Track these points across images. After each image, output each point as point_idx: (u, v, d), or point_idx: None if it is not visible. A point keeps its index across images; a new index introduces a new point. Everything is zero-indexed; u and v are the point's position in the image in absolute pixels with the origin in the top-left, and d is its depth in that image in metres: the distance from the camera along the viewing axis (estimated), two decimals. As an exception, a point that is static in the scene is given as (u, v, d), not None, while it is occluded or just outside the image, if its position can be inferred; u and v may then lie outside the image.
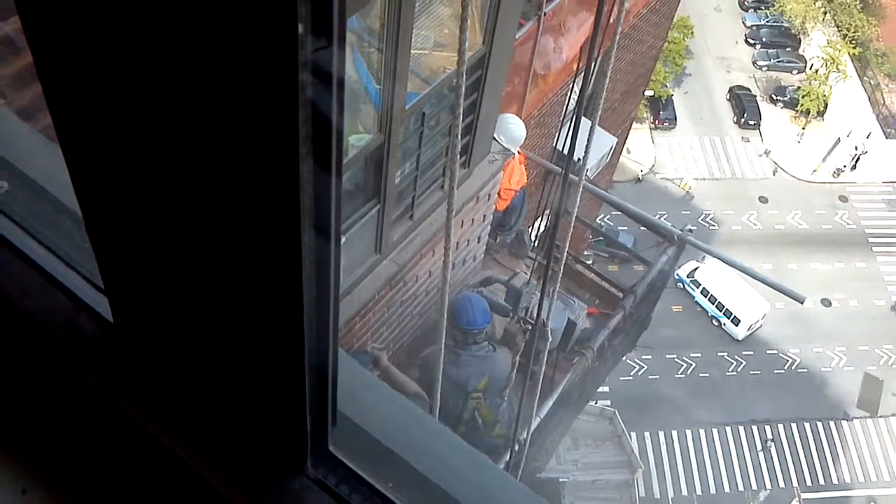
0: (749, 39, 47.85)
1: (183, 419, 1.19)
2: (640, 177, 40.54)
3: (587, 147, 4.47)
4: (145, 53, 0.72)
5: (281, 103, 0.67)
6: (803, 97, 44.08)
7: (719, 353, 35.89)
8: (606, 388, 31.17)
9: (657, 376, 34.56)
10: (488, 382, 6.74)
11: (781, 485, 33.18)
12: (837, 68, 44.65)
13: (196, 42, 0.68)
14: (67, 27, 0.77)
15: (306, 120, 0.69)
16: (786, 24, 48.22)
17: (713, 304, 36.27)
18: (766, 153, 43.14)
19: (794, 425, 34.60)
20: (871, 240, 40.74)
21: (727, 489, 32.93)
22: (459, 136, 3.63)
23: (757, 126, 44.22)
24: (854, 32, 46.04)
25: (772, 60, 46.91)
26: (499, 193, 7.27)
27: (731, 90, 45.37)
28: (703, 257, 34.47)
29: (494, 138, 6.61)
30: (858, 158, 42.93)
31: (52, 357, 1.27)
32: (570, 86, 10.93)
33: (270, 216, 0.77)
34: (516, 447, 6.70)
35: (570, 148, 4.53)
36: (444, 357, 6.49)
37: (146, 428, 1.21)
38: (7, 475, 1.29)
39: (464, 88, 3.20)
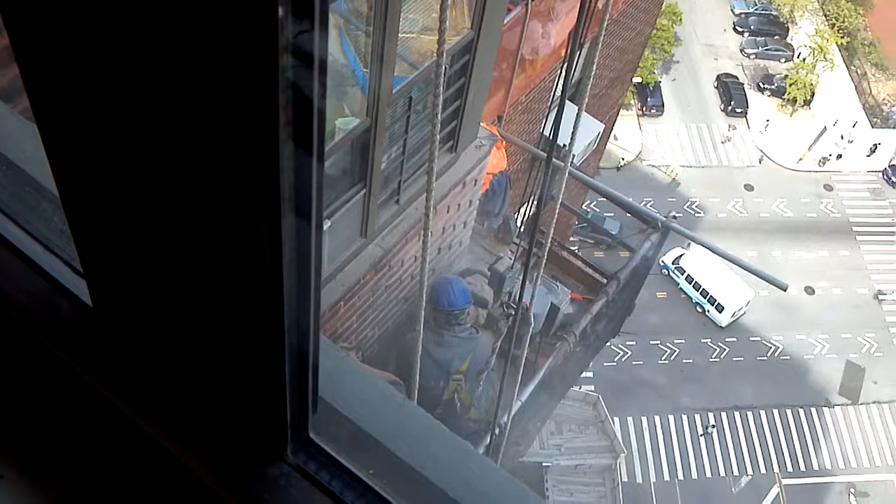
0: (737, 27, 47.88)
1: (162, 404, 1.18)
2: (620, 164, 40.52)
3: (573, 133, 4.47)
4: (122, 36, 0.71)
5: (260, 87, 0.66)
6: (790, 85, 44.19)
7: (703, 340, 36.07)
8: (590, 374, 31.29)
9: (641, 362, 34.72)
10: (470, 364, 6.77)
11: (763, 471, 33.45)
12: (825, 57, 44.77)
13: (174, 24, 0.66)
14: (44, 8, 0.76)
15: (287, 104, 0.68)
16: (774, 13, 48.28)
17: (697, 290, 36.43)
18: (726, 140, 43.14)
19: (775, 412, 34.84)
20: (855, 228, 40.97)
21: (709, 474, 33.16)
22: (439, 119, 3.62)
23: (744, 114, 44.31)
24: (842, 22, 46.15)
25: (760, 48, 46.98)
26: None
27: (718, 78, 45.42)
28: (688, 244, 34.58)
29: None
30: (876, 147, 42.98)
31: (31, 341, 1.26)
32: (559, 71, 10.91)
33: (250, 202, 0.76)
34: (496, 431, 6.73)
35: (553, 133, 4.53)
36: (426, 338, 6.52)
37: (125, 413, 1.20)
38: None
39: (444, 69, 3.18)
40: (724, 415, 34.55)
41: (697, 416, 34.35)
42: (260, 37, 0.62)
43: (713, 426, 33.94)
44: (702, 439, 33.81)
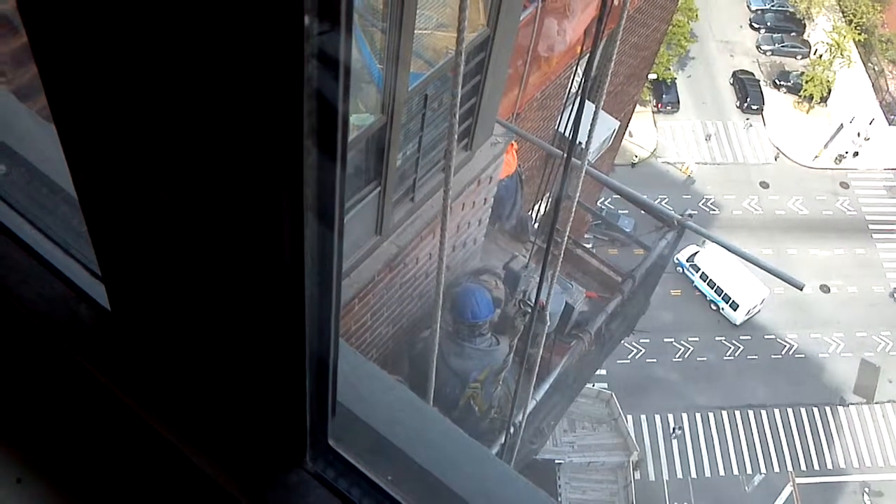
0: (754, 23, 47.64)
1: (181, 410, 1.18)
2: (634, 161, 40.37)
3: (590, 130, 4.44)
4: (146, 39, 0.70)
5: (285, 96, 0.65)
6: (807, 82, 43.93)
7: (717, 338, 35.93)
8: (604, 371, 31.22)
9: (654, 360, 34.62)
10: (488, 374, 6.76)
11: (776, 469, 33.32)
12: (842, 54, 44.48)
13: (198, 32, 0.65)
14: (65, 10, 0.75)
15: (311, 112, 0.67)
16: (791, 9, 48.00)
17: (712, 288, 36.28)
18: (708, 137, 42.85)
19: (790, 410, 34.69)
20: (871, 226, 40.72)
21: (722, 473, 33.05)
22: (457, 119, 3.60)
23: (760, 111, 44.09)
24: (859, 18, 45.83)
25: (776, 45, 46.72)
26: None
27: (734, 74, 45.19)
28: (703, 242, 34.45)
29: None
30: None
31: (49, 345, 1.25)
32: (574, 68, 10.88)
33: (273, 209, 0.75)
34: (511, 430, 6.72)
35: (572, 132, 4.51)
36: (446, 347, 6.51)
37: (143, 418, 1.20)
38: (2, 464, 1.28)
39: (462, 69, 3.17)
40: (737, 413, 34.42)
41: (711, 415, 34.24)
42: (285, 45, 0.61)
43: (680, 428, 33.67)
44: (715, 438, 33.70)
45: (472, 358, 6.64)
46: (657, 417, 33.72)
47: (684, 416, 33.93)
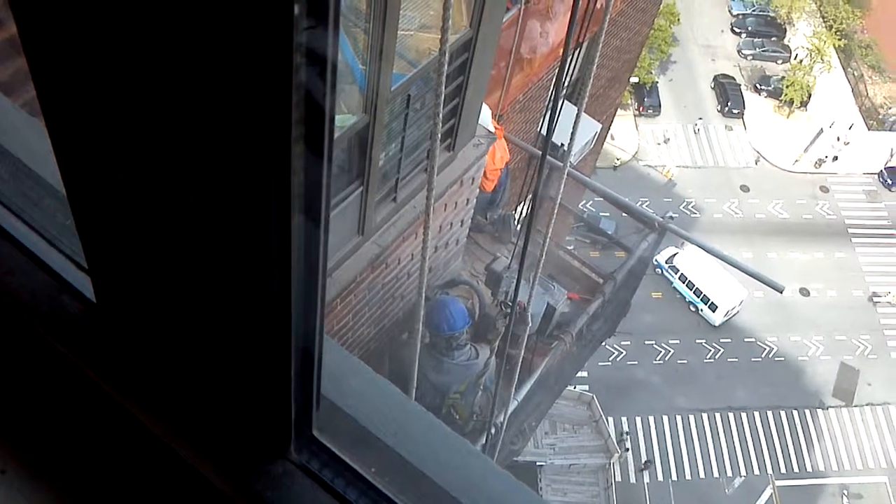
0: (735, 28, 47.95)
1: (165, 401, 1.18)
2: (616, 164, 40.53)
3: (572, 133, 4.46)
4: (134, 30, 0.71)
5: (274, 86, 0.65)
6: (787, 87, 44.26)
7: (697, 340, 36.10)
8: (585, 373, 31.31)
9: (635, 362, 34.75)
10: (468, 385, 6.76)
11: (756, 472, 33.50)
12: (822, 59, 44.85)
13: (187, 21, 0.66)
14: (54, 1, 0.75)
15: (299, 102, 0.68)
16: (772, 14, 48.36)
17: (690, 289, 36.47)
18: (666, 141, 43.02)
19: (769, 413, 34.90)
20: (850, 230, 41.05)
21: (702, 475, 33.20)
22: (441, 119, 3.61)
23: (740, 115, 44.39)
24: (839, 24, 46.22)
25: (757, 50, 47.06)
26: (485, 175, 7.27)
27: (715, 78, 45.48)
28: (682, 243, 34.63)
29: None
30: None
31: (34, 336, 1.25)
32: (556, 71, 10.91)
33: (260, 200, 0.76)
34: (493, 430, 6.73)
35: (548, 132, 4.52)
36: (425, 361, 6.50)
37: (128, 409, 1.20)
38: None
39: (446, 69, 3.18)
40: (717, 415, 34.59)
41: (692, 417, 34.39)
42: (275, 34, 0.62)
43: (627, 433, 33.75)
44: (696, 440, 33.85)
45: (451, 373, 6.64)
46: (638, 419, 33.83)
47: (665, 418, 34.07)
